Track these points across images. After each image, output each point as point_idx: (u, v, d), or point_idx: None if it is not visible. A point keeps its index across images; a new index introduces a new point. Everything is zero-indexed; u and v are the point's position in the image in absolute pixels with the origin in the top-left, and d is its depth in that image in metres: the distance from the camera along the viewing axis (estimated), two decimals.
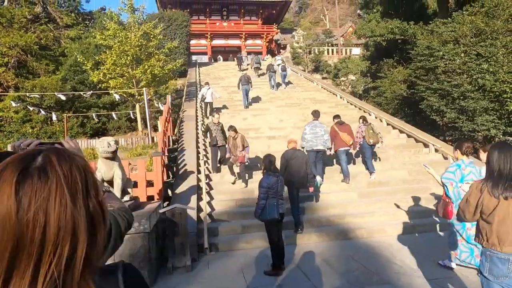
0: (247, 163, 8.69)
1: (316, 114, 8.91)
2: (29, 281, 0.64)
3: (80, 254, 0.68)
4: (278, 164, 5.80)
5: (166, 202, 7.48)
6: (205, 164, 9.53)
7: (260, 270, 5.27)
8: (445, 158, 10.12)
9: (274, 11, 39.71)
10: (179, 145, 10.67)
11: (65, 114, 18.02)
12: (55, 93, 15.83)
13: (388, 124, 13.21)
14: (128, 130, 19.42)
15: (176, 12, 26.40)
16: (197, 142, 10.76)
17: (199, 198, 7.61)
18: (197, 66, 25.42)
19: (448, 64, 12.97)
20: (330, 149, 8.69)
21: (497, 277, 2.47)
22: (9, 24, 21.14)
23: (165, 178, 8.46)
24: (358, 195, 8.25)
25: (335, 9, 39.23)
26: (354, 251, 5.94)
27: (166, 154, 9.99)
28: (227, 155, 8.80)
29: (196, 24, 35.13)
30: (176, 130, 13.68)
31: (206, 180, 8.45)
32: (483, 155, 4.71)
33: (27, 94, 16.72)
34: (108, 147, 4.97)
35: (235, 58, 28.74)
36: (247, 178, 8.67)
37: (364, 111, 14.32)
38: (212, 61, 33.61)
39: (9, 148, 1.43)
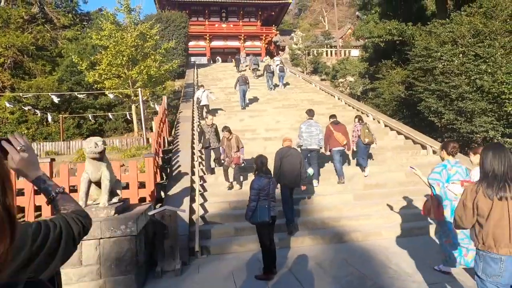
0: (242, 165, 8.56)
1: (310, 113, 8.86)
2: None
3: None
4: (270, 165, 5.67)
5: (159, 204, 7.34)
6: (199, 166, 9.40)
7: (251, 274, 5.13)
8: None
9: (273, 13, 39.67)
10: (174, 146, 10.54)
11: (61, 115, 17.90)
12: (50, 94, 15.70)
13: (386, 126, 13.09)
14: (125, 131, 19.29)
15: (175, 13, 26.24)
16: (193, 143, 10.63)
17: (192, 200, 7.47)
18: (196, 67, 25.31)
19: (446, 65, 12.84)
20: (321, 148, 8.63)
21: (490, 276, 2.49)
22: (6, 25, 21.05)
23: (158, 179, 8.33)
24: (354, 197, 8.12)
25: (334, 11, 39.22)
26: (349, 255, 5.80)
27: (161, 155, 9.87)
28: (222, 156, 8.68)
29: (195, 25, 35.08)
30: (172, 131, 13.55)
31: (200, 181, 8.31)
32: (474, 158, 4.64)
33: (21, 94, 16.58)
34: (95, 147, 4.84)
35: (233, 60, 28.67)
36: (241, 180, 8.55)
37: (362, 113, 14.19)
38: (211, 62, 33.57)
39: None
